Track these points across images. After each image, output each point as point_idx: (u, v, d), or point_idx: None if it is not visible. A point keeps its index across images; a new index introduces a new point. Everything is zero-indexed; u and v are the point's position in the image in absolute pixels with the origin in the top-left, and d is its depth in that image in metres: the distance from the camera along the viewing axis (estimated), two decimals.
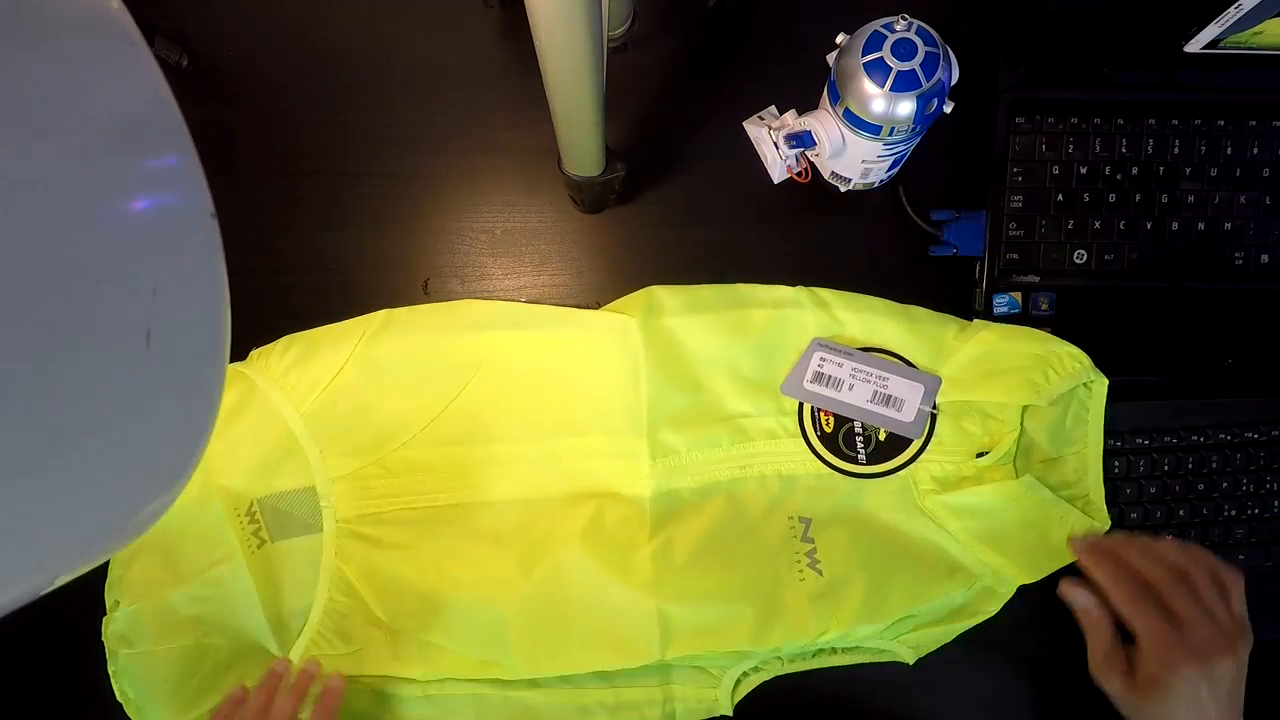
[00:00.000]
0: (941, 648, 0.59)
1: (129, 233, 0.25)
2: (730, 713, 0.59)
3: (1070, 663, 0.54)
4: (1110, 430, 0.61)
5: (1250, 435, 0.61)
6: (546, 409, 0.60)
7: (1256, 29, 0.55)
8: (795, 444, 0.60)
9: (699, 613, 0.58)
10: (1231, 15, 0.54)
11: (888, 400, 0.59)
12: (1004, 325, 0.60)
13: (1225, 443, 0.61)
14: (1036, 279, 0.62)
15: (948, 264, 0.62)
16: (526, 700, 0.59)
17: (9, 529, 0.22)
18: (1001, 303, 0.62)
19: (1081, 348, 0.59)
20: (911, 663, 0.59)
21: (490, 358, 0.60)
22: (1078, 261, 0.62)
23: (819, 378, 0.60)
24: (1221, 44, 0.57)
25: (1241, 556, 0.61)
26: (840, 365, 0.60)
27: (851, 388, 0.59)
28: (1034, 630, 0.60)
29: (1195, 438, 0.61)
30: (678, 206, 0.63)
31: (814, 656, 0.60)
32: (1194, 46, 0.57)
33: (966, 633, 0.59)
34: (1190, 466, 0.61)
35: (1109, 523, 0.58)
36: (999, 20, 0.63)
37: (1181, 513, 0.61)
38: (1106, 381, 0.58)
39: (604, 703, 0.59)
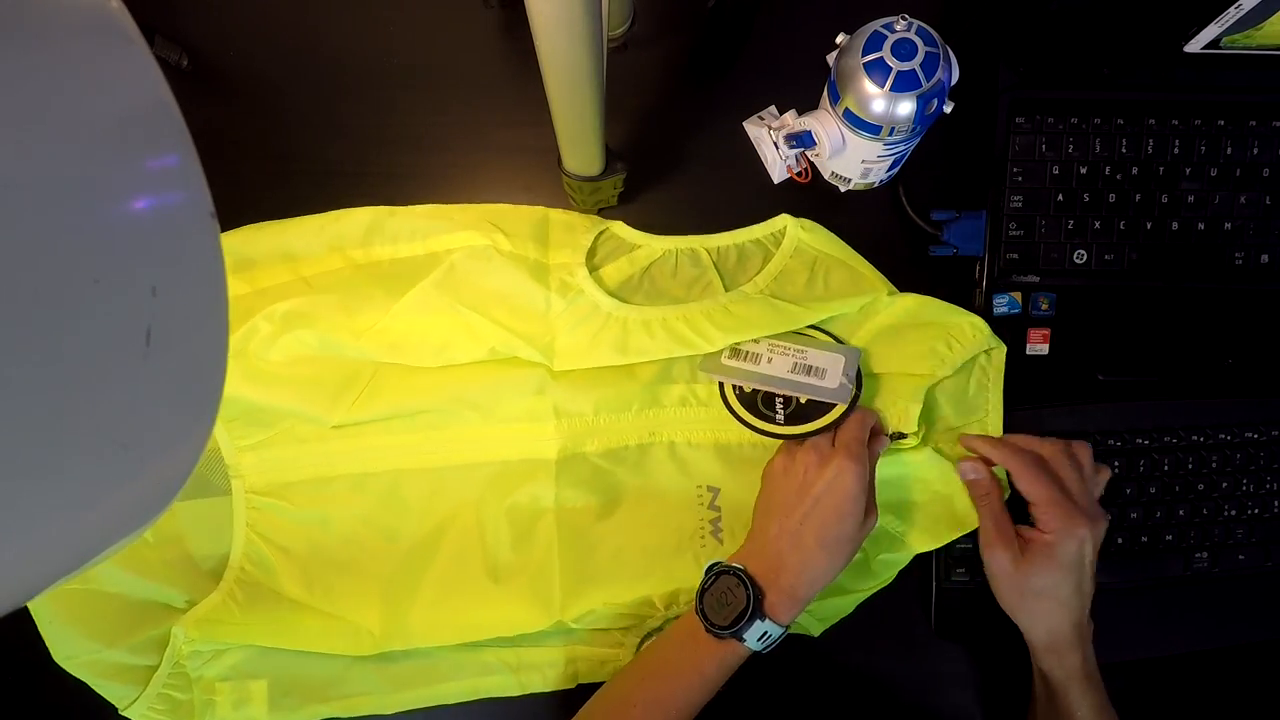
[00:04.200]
0: (844, 620, 0.61)
1: (129, 233, 0.25)
2: None
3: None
4: (1110, 430, 0.61)
5: (1250, 435, 0.61)
6: (454, 376, 0.60)
7: (1256, 28, 0.56)
8: (707, 412, 0.60)
9: (600, 576, 0.59)
10: (1231, 15, 0.54)
11: (809, 370, 0.58)
12: (910, 295, 0.60)
13: (1225, 443, 0.61)
14: (1036, 279, 0.62)
15: (948, 264, 0.62)
16: (429, 653, 0.60)
17: (8, 529, 0.22)
18: (1001, 303, 0.62)
19: (1081, 348, 0.59)
20: (817, 634, 0.60)
21: (399, 331, 0.59)
22: (1078, 261, 0.62)
23: (736, 354, 0.59)
24: (1221, 44, 0.57)
25: (1241, 556, 0.61)
26: (756, 342, 0.59)
27: (770, 360, 0.59)
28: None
29: (1195, 438, 0.61)
30: (678, 206, 0.63)
31: None
32: (1194, 46, 0.57)
33: (867, 603, 0.61)
34: (1190, 466, 0.61)
35: (1007, 490, 0.58)
36: (999, 20, 0.63)
37: (1181, 513, 0.61)
38: (1005, 348, 0.59)
39: (505, 661, 0.60)
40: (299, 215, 0.62)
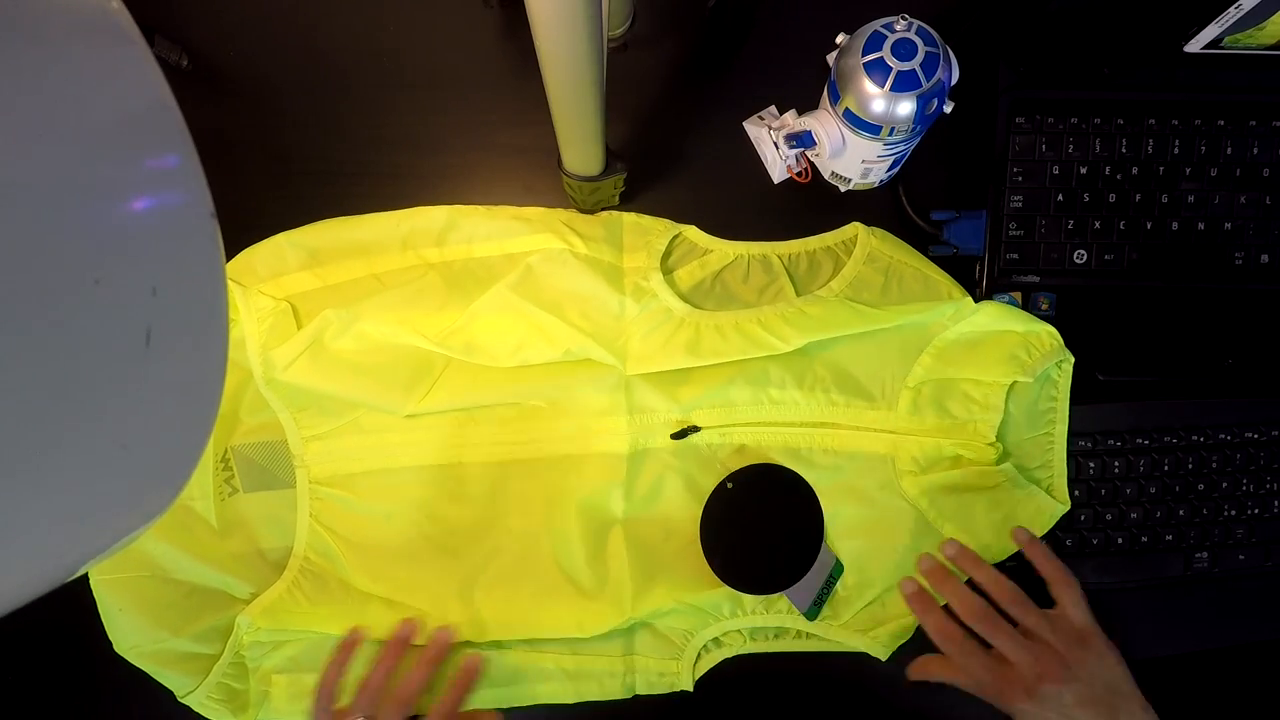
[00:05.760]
0: (912, 641, 0.60)
1: (129, 233, 0.25)
2: (691, 688, 0.60)
3: None
4: (1110, 430, 0.61)
5: (1250, 435, 0.61)
6: (526, 373, 0.60)
7: (1257, 28, 0.56)
8: (778, 411, 0.60)
9: (670, 573, 0.59)
10: (1231, 15, 0.54)
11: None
12: (990, 303, 0.60)
13: (1225, 443, 0.61)
14: (1036, 279, 0.62)
15: (948, 263, 0.62)
16: (487, 656, 0.60)
17: (8, 529, 0.22)
18: (1001, 302, 0.62)
19: (1081, 348, 0.59)
20: (885, 658, 0.60)
21: (475, 331, 0.59)
22: (1078, 261, 0.62)
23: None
24: (1221, 44, 0.57)
25: (1241, 556, 0.61)
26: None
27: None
28: None
29: (1195, 438, 0.61)
30: (678, 206, 0.63)
31: (776, 638, 0.61)
32: (1194, 46, 0.57)
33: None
34: (1190, 466, 0.61)
35: (1069, 504, 0.59)
36: (999, 20, 0.63)
37: (1182, 513, 0.61)
38: (1073, 359, 0.59)
39: (564, 668, 0.60)
40: (299, 215, 0.62)
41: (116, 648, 0.58)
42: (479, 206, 0.62)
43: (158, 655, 0.58)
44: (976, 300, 0.63)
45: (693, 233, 0.63)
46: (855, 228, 0.62)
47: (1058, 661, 0.51)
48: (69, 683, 0.62)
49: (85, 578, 0.58)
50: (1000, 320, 0.59)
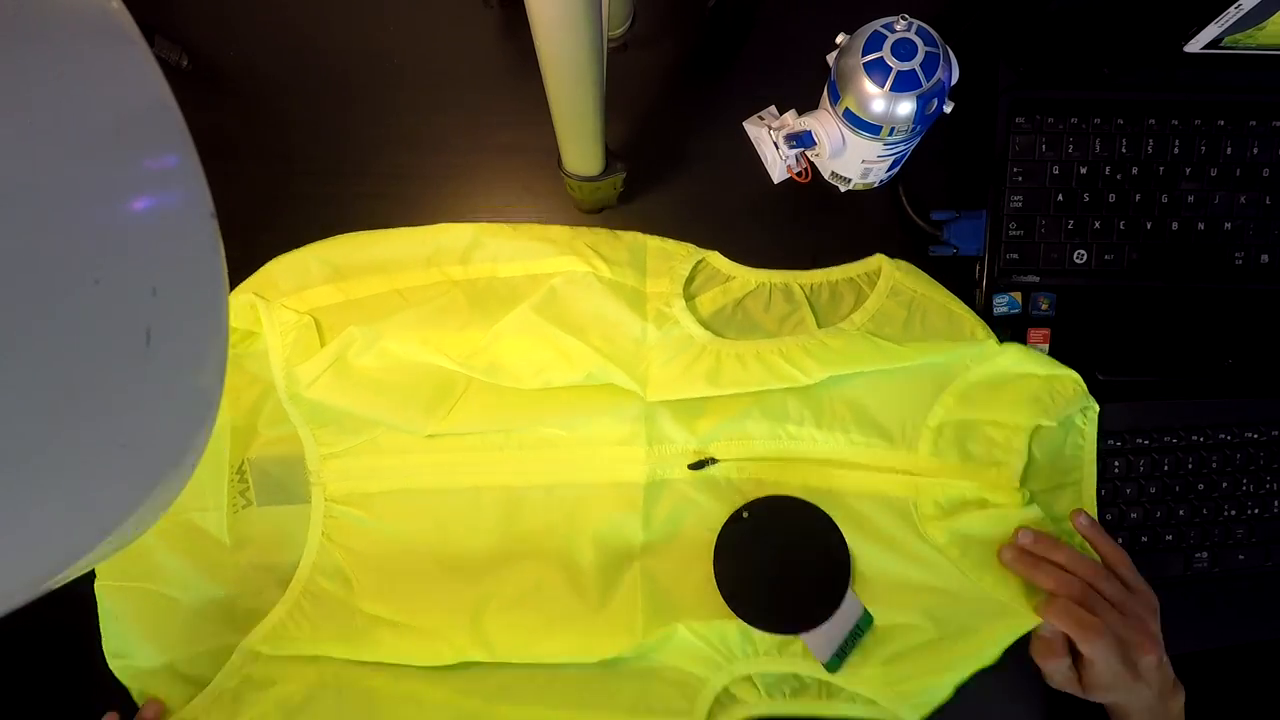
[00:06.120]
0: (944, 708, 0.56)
1: (129, 233, 0.25)
2: None
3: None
4: (1110, 430, 0.61)
5: (1250, 435, 0.61)
6: (547, 396, 0.59)
7: (1257, 28, 0.56)
8: (796, 447, 0.59)
9: (682, 605, 0.58)
10: (1231, 15, 0.54)
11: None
12: (1013, 345, 0.58)
13: (1225, 443, 0.61)
14: (1036, 279, 0.62)
15: (948, 264, 0.62)
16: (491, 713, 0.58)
17: (8, 528, 0.22)
18: (1001, 302, 0.62)
19: (1081, 348, 0.59)
20: None
21: (498, 351, 0.59)
22: (1078, 261, 0.62)
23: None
24: (1221, 44, 0.57)
25: (1241, 556, 0.61)
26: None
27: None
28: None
29: (1195, 438, 0.61)
30: (678, 206, 0.63)
31: (794, 696, 0.57)
32: (1194, 46, 0.57)
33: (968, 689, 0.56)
34: (1190, 466, 0.61)
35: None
36: (999, 20, 0.63)
37: (1182, 513, 0.61)
38: (1098, 408, 0.58)
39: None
40: (299, 216, 0.62)
41: (107, 653, 0.57)
42: (504, 225, 0.62)
43: (152, 674, 0.57)
44: (976, 299, 0.63)
45: (715, 259, 0.62)
46: (879, 260, 0.61)
47: (1150, 631, 0.52)
48: (69, 683, 0.62)
49: (88, 581, 0.58)
50: (1023, 363, 0.58)
